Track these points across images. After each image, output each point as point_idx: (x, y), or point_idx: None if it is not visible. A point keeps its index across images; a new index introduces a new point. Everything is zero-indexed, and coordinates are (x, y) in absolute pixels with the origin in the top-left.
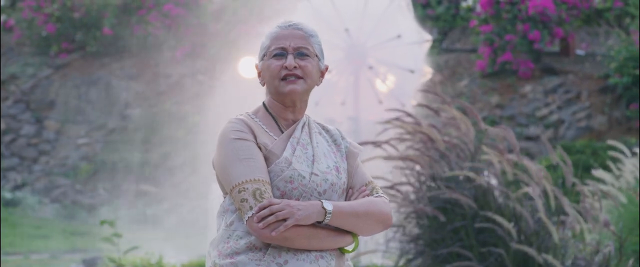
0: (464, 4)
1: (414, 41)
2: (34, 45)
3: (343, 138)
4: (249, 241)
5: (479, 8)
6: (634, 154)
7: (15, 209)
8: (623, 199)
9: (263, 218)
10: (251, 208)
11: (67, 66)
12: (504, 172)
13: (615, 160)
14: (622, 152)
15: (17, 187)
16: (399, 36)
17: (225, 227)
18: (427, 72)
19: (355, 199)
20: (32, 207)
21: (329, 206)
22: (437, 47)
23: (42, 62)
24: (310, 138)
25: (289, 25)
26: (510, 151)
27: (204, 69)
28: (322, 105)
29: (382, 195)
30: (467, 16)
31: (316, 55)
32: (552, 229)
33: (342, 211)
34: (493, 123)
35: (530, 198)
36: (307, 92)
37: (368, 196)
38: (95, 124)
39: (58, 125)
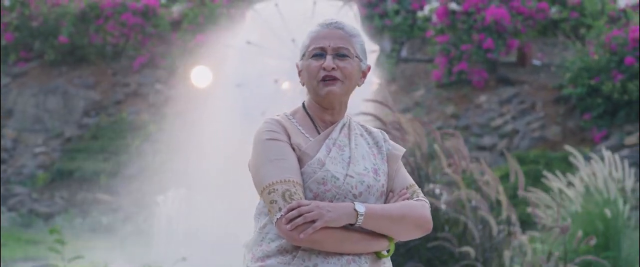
0: (420, 14)
1: None
2: None
3: (386, 140)
4: (280, 244)
5: (435, 18)
6: (587, 162)
7: None
8: (578, 207)
9: (292, 220)
10: (280, 209)
11: (25, 75)
12: (451, 184)
13: (568, 168)
14: (575, 158)
15: None
16: None
17: (259, 229)
18: (375, 82)
19: (395, 202)
20: None
21: (361, 208)
22: (395, 57)
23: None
24: (349, 139)
25: (330, 25)
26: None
27: (161, 78)
28: (269, 114)
29: (422, 199)
30: (424, 26)
31: (357, 56)
32: (506, 255)
33: (376, 214)
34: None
35: (489, 210)
36: (347, 94)
37: (408, 199)
38: (53, 133)
39: (15, 133)
